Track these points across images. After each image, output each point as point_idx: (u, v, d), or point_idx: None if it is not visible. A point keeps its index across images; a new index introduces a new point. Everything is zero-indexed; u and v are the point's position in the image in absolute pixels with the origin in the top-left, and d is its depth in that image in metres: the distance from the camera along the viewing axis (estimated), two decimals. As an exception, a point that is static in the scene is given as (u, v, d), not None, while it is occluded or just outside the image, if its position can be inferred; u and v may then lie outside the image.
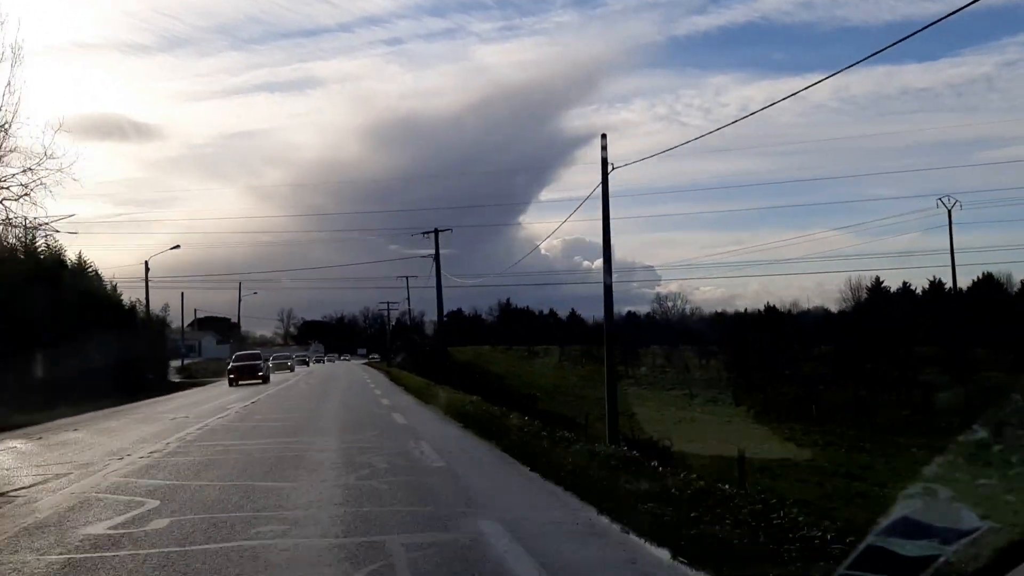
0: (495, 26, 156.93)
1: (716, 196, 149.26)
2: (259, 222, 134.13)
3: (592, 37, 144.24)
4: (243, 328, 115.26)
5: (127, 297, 45.33)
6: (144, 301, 47.89)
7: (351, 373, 56.94)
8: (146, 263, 48.56)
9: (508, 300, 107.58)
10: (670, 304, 76.47)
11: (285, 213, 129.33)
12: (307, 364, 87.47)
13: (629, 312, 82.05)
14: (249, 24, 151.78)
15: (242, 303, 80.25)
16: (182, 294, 68.89)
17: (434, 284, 49.14)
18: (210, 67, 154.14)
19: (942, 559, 2.19)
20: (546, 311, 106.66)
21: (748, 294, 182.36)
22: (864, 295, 63.87)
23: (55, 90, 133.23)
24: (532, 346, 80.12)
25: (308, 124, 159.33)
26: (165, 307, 77.47)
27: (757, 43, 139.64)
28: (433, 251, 48.77)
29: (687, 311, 76.69)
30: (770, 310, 68.58)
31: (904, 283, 63.59)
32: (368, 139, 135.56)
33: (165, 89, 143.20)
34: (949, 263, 50.64)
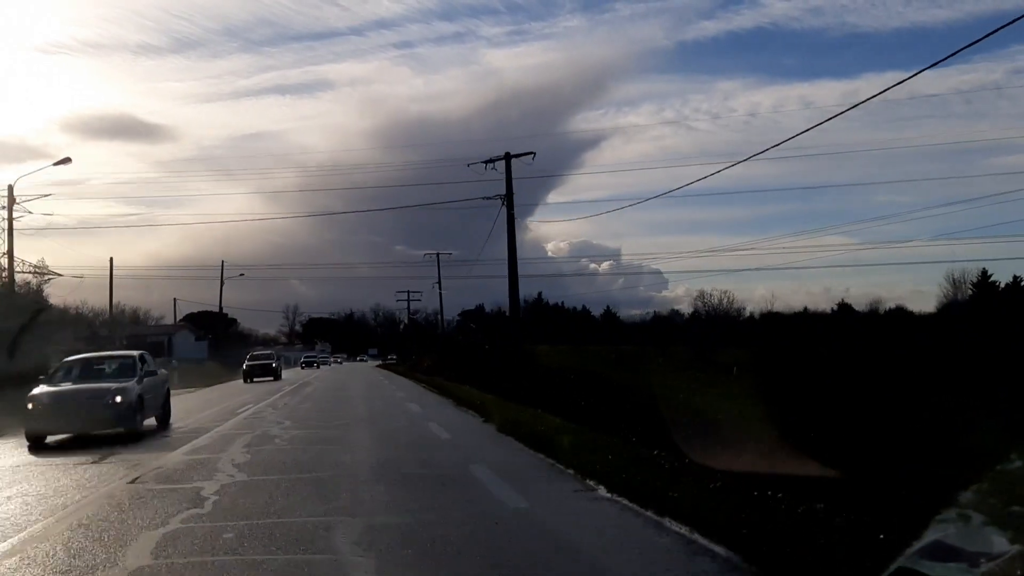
0: (504, 30, 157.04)
1: (724, 201, 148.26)
2: (268, 223, 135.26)
3: (600, 41, 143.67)
4: (241, 324, 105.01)
5: (124, 296, 46.73)
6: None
7: (374, 387, 34.53)
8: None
9: (540, 295, 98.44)
10: (716, 302, 63.63)
11: (294, 214, 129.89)
12: (315, 367, 73.30)
13: (673, 310, 78.37)
14: (260, 26, 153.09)
15: (245, 302, 79.06)
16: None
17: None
18: (221, 69, 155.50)
19: (971, 581, 2.25)
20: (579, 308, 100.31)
21: (754, 299, 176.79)
22: (969, 291, 59.16)
23: (66, 90, 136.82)
24: (596, 345, 57.14)
25: (318, 126, 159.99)
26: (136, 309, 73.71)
27: (766, 48, 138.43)
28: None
29: (733, 311, 65.59)
30: (844, 308, 63.47)
31: (1014, 276, 58.19)
32: (378, 141, 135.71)
33: (176, 90, 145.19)
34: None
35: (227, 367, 55.10)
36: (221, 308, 71.18)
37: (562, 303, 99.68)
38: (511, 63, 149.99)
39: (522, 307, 64.20)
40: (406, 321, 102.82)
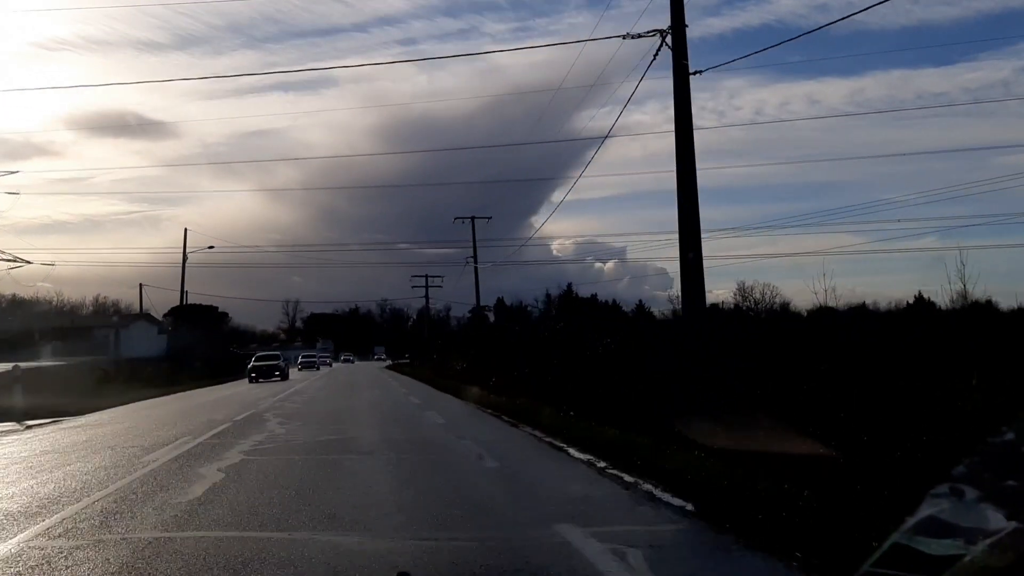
0: (509, 27, 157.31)
1: (729, 199, 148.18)
2: (271, 220, 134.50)
3: (605, 39, 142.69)
4: (236, 320, 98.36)
5: (120, 292, 44.72)
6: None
7: (409, 423, 18.10)
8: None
9: (570, 286, 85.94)
10: (759, 296, 58.86)
11: (297, 211, 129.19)
12: (315, 368, 68.40)
13: (713, 305, 74.03)
14: (264, 23, 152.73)
15: (243, 298, 76.41)
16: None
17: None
18: (225, 66, 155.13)
19: (967, 558, 2.23)
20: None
21: (757, 298, 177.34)
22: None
23: (70, 86, 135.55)
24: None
25: (322, 123, 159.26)
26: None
27: (772, 45, 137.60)
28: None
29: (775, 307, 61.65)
30: (921, 302, 60.38)
31: None
32: (381, 138, 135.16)
33: (179, 87, 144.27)
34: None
35: (190, 367, 47.53)
36: (183, 291, 57.60)
37: (595, 295, 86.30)
38: (515, 60, 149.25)
39: (550, 300, 67.19)
40: (421, 313, 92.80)
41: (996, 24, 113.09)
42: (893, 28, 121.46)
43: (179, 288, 55.38)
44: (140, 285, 65.60)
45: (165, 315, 76.09)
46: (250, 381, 43.59)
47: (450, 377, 34.62)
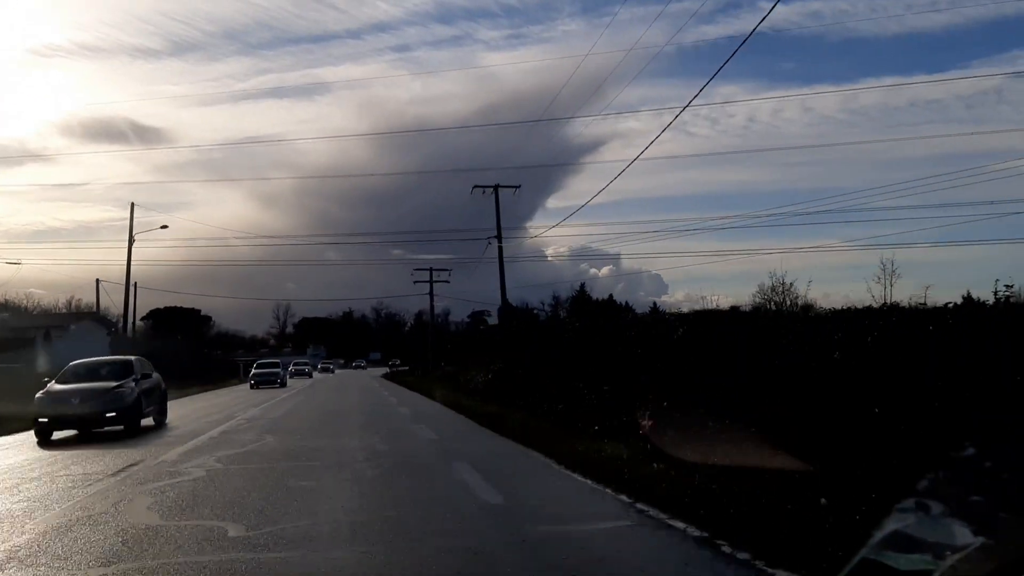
0: (502, 34, 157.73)
1: (723, 205, 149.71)
2: (265, 227, 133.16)
3: (599, 46, 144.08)
4: (223, 324, 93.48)
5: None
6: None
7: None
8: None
9: (583, 286, 73.50)
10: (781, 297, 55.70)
11: (291, 217, 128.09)
12: (307, 375, 64.98)
13: (733, 307, 71.64)
14: (258, 29, 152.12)
15: (231, 304, 70.88)
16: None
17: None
18: (219, 72, 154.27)
19: (936, 574, 2.23)
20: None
21: (753, 302, 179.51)
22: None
23: (64, 93, 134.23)
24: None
25: (316, 130, 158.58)
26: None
27: (765, 53, 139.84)
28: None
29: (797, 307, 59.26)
30: (970, 302, 58.79)
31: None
32: (375, 145, 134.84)
33: (173, 93, 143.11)
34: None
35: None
36: (129, 278, 46.80)
37: (610, 296, 76.58)
38: (509, 67, 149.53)
39: (558, 303, 53.48)
40: (419, 316, 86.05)
41: (988, 31, 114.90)
42: (886, 35, 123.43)
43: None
44: (96, 281, 54.43)
45: (143, 318, 70.70)
46: (251, 387, 45.68)
47: (474, 395, 26.22)
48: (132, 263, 45.78)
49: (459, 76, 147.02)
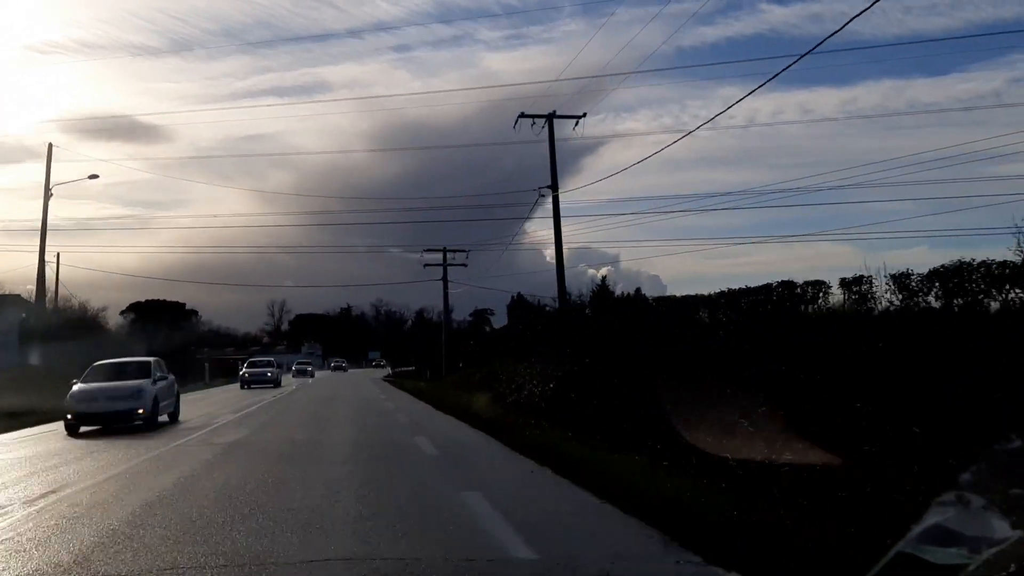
0: (503, 34, 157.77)
1: (723, 206, 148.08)
2: (264, 226, 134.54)
3: (599, 47, 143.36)
4: (214, 321, 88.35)
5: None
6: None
7: None
8: None
9: (604, 279, 67.00)
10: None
11: (290, 216, 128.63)
12: (309, 375, 63.13)
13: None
14: (258, 28, 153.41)
15: (227, 301, 64.83)
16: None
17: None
18: (218, 70, 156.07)
19: (971, 567, 2.21)
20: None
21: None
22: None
23: (63, 90, 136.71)
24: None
25: (315, 128, 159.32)
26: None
27: (765, 55, 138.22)
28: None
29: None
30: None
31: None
32: (375, 144, 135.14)
33: (173, 91, 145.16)
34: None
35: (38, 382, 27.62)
36: (44, 241, 37.62)
37: (638, 290, 70.35)
38: (509, 67, 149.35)
39: (583, 297, 41.10)
40: (421, 313, 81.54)
41: (988, 35, 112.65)
42: (886, 37, 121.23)
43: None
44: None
45: (122, 312, 64.97)
46: (242, 387, 44.10)
47: (526, 413, 18.05)
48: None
49: (459, 76, 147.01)
